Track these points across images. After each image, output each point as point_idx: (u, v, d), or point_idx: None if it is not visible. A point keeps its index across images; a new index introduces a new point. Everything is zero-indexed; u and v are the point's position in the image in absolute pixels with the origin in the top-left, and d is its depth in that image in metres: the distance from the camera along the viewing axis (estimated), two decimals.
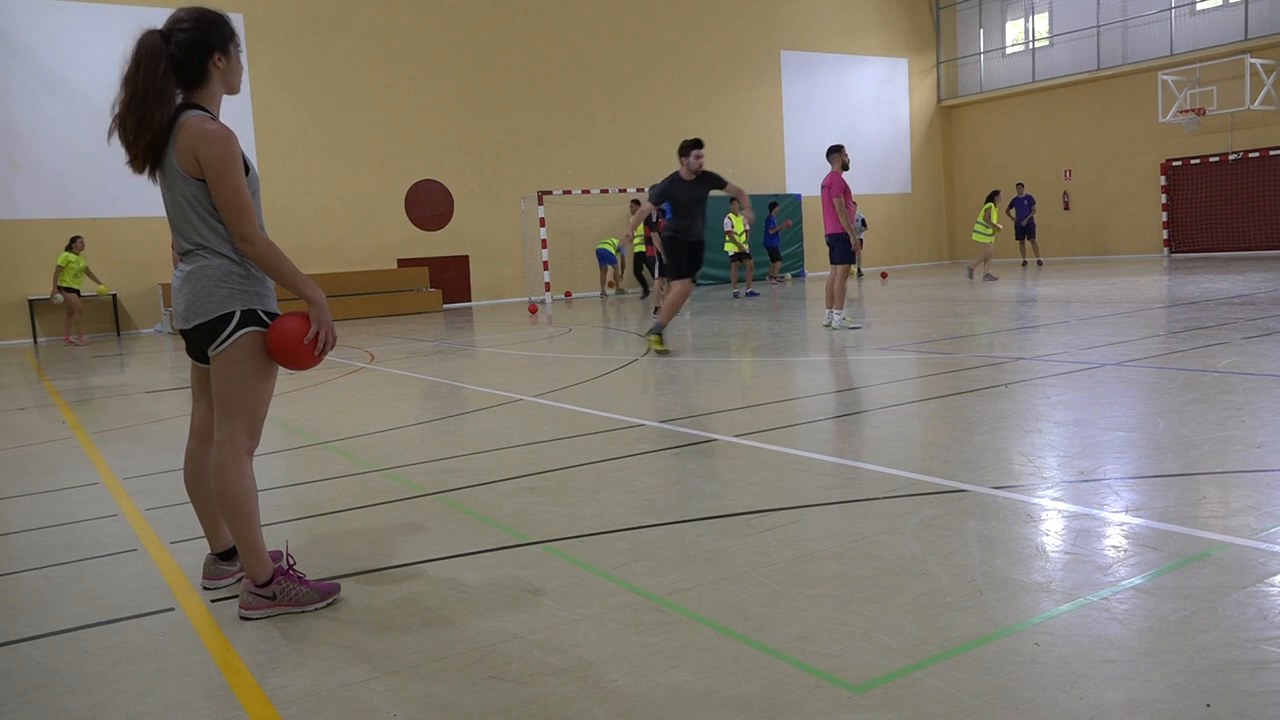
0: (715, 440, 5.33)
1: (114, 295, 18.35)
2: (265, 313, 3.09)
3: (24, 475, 5.60)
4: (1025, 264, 24.08)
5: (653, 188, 10.10)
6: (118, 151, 3.03)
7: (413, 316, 19.57)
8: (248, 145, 18.66)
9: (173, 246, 3.18)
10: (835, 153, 11.19)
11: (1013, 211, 23.04)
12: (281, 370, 3.20)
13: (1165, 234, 24.32)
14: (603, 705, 2.34)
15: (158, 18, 3.09)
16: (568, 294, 22.81)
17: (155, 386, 9.87)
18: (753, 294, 18.29)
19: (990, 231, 19.17)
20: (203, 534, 3.43)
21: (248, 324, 3.04)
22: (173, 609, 3.20)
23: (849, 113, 27.23)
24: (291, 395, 8.21)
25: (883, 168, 28.03)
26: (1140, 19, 24.54)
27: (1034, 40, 27.30)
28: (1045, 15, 27.04)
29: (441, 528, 3.96)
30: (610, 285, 22.58)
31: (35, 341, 17.78)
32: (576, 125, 23.08)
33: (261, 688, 2.57)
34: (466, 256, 22.09)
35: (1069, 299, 13.36)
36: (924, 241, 29.51)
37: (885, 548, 3.34)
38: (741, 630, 2.73)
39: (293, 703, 2.47)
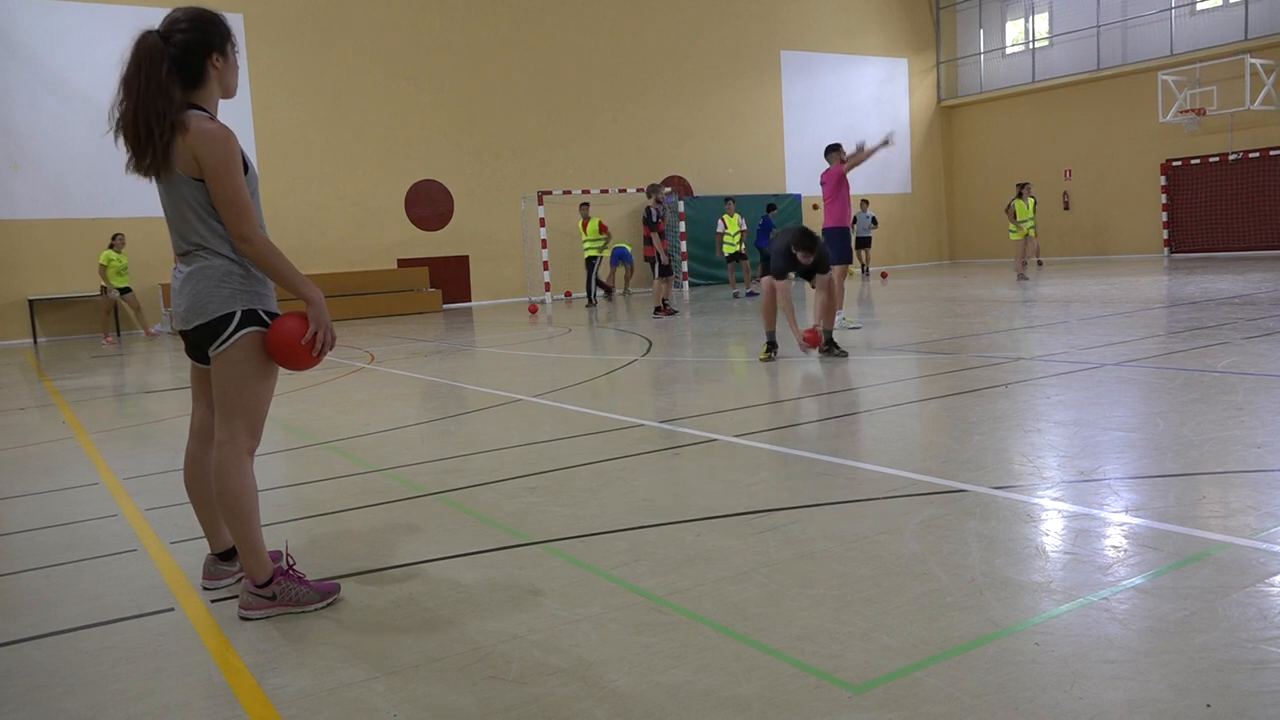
0: (715, 440, 5.33)
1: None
2: (266, 313, 3.09)
3: (24, 475, 5.60)
4: (1025, 264, 24.04)
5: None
6: (118, 151, 3.02)
7: (413, 316, 19.58)
8: (248, 145, 18.66)
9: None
10: (833, 151, 11.21)
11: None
12: (282, 370, 3.20)
13: (1165, 234, 24.32)
14: (603, 705, 2.34)
15: (158, 18, 3.09)
16: (567, 294, 22.80)
17: (155, 386, 9.87)
18: (752, 294, 18.29)
19: (1028, 223, 18.68)
20: (203, 534, 3.43)
21: (248, 324, 3.04)
22: (173, 609, 3.20)
23: (849, 113, 27.22)
24: (292, 395, 8.21)
25: (883, 168, 28.00)
26: (1140, 19, 24.54)
27: (1034, 40, 27.30)
28: (1045, 15, 27.04)
29: (441, 528, 3.96)
30: (622, 284, 22.48)
31: (35, 341, 17.78)
32: (576, 125, 23.08)
33: (261, 688, 2.57)
34: (466, 256, 22.10)
35: (1069, 299, 13.36)
36: (924, 242, 29.52)
37: (885, 548, 3.34)
38: (741, 630, 2.73)
39: (293, 703, 2.47)
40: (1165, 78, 22.93)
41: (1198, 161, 23.50)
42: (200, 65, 3.01)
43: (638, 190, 22.42)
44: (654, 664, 2.55)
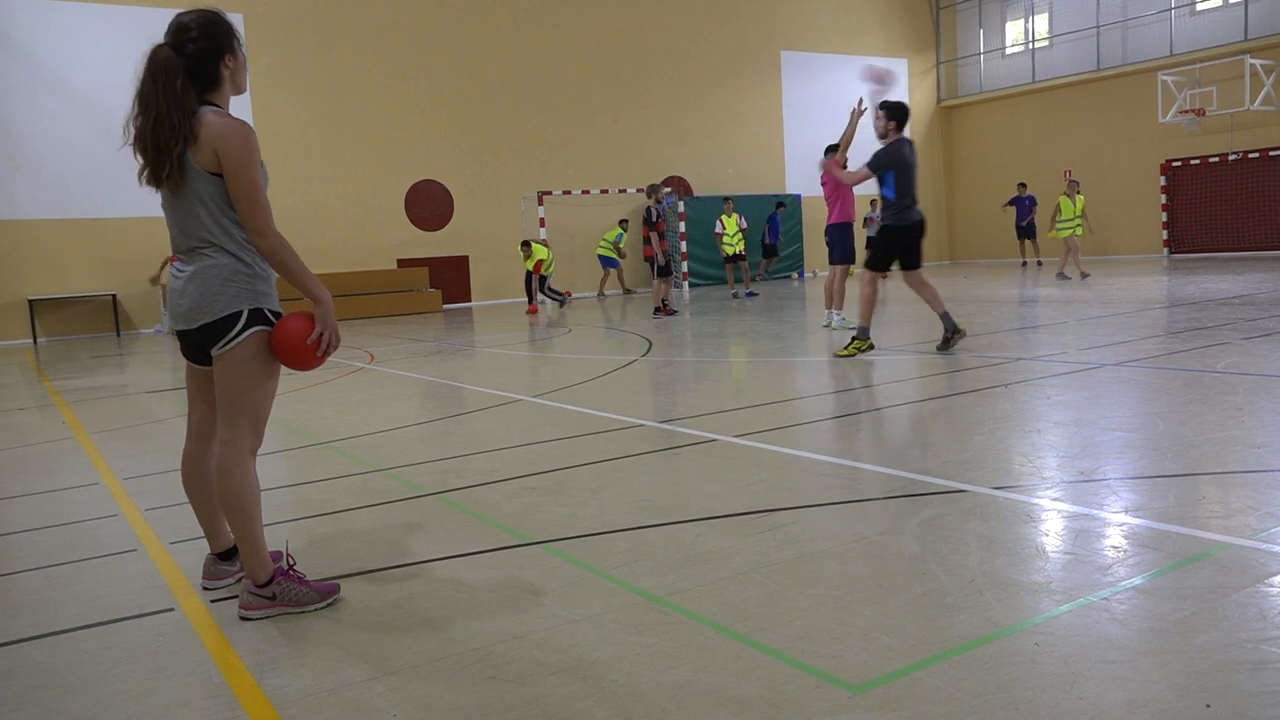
0: (715, 440, 5.33)
1: (114, 295, 18.34)
2: (271, 312, 3.09)
3: (24, 475, 5.60)
4: (1025, 264, 24.07)
5: (878, 156, 8.66)
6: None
7: (413, 317, 19.58)
8: None
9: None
10: (833, 152, 11.27)
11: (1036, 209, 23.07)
12: (283, 370, 3.20)
13: (1165, 234, 24.32)
14: (603, 705, 2.34)
15: (157, 17, 3.11)
16: (567, 294, 22.80)
17: (155, 386, 9.87)
18: (752, 294, 18.28)
19: (1073, 222, 17.67)
20: (202, 534, 3.43)
21: (255, 323, 3.04)
22: (173, 609, 3.20)
23: (849, 113, 27.21)
24: (292, 395, 8.21)
25: None
26: (1140, 19, 24.54)
27: (1034, 40, 27.30)
28: (1045, 15, 27.04)
29: (441, 528, 3.96)
30: (613, 286, 22.48)
31: (35, 341, 17.77)
32: (576, 125, 23.08)
33: (261, 688, 2.57)
34: (466, 256, 22.10)
35: (1069, 299, 13.35)
36: (924, 242, 29.49)
37: (885, 548, 3.34)
38: (741, 630, 2.73)
39: (293, 703, 2.47)
40: (1165, 78, 22.93)
41: (1198, 162, 23.50)
42: (215, 70, 3.03)
43: (638, 190, 22.42)
44: (654, 664, 2.55)
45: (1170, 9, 23.80)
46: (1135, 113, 24.45)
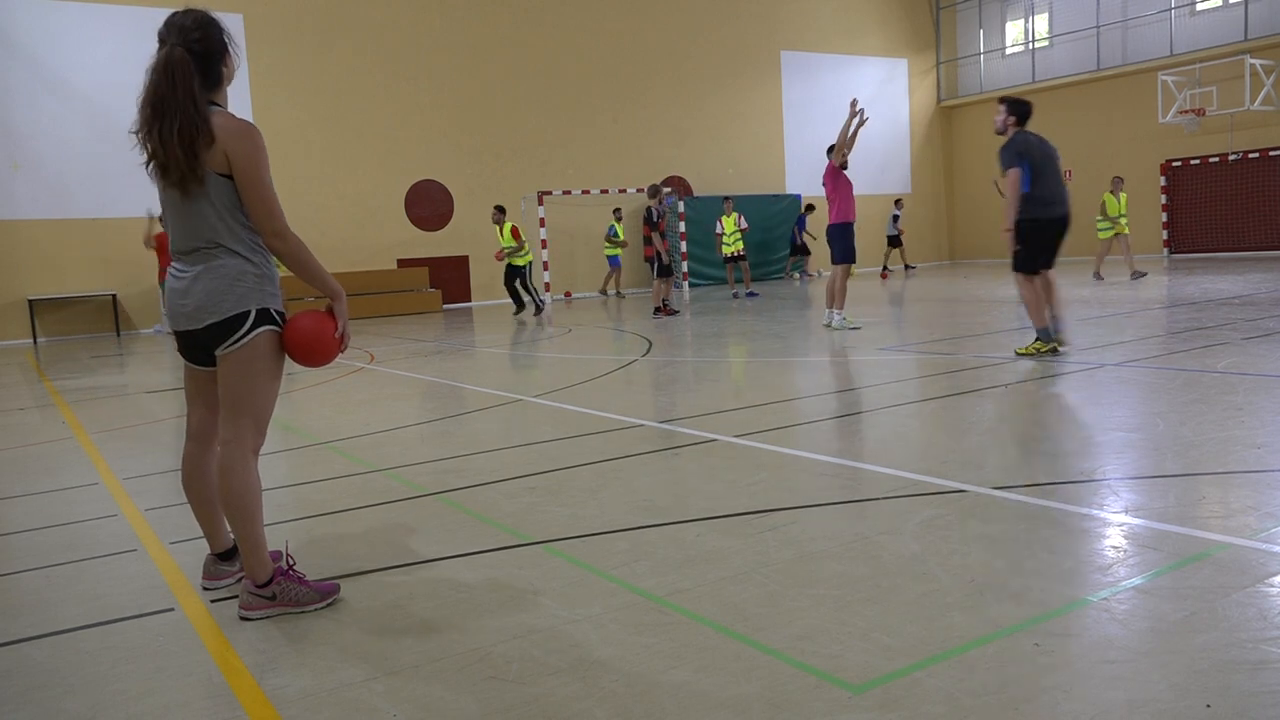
0: (715, 440, 5.33)
1: (114, 295, 18.34)
2: (277, 312, 3.10)
3: (24, 475, 5.60)
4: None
5: (1005, 151, 7.96)
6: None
7: (413, 316, 19.57)
8: None
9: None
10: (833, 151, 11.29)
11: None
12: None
13: (1165, 234, 24.31)
14: (603, 705, 2.34)
15: (157, 17, 3.10)
16: (567, 294, 22.81)
17: (155, 386, 9.86)
18: (752, 294, 18.28)
19: (1108, 225, 17.03)
20: (202, 534, 3.43)
21: (262, 323, 3.04)
22: (173, 609, 3.20)
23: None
24: (292, 395, 8.22)
25: (882, 168, 28.03)
26: (1140, 19, 24.54)
27: (1034, 40, 27.30)
28: (1045, 15, 27.03)
29: (441, 528, 3.96)
30: (614, 286, 22.48)
31: (35, 341, 17.77)
32: (576, 125, 23.08)
33: (261, 688, 2.57)
34: (466, 256, 22.09)
35: (1069, 300, 13.35)
36: (923, 242, 29.50)
37: (885, 548, 3.34)
38: (741, 630, 2.73)
39: (293, 703, 2.47)
40: (1165, 78, 22.93)
41: (1197, 162, 23.50)
42: (218, 69, 3.05)
43: (638, 190, 22.41)
44: (654, 664, 2.55)
45: (1170, 9, 23.79)
46: (1135, 113, 24.44)
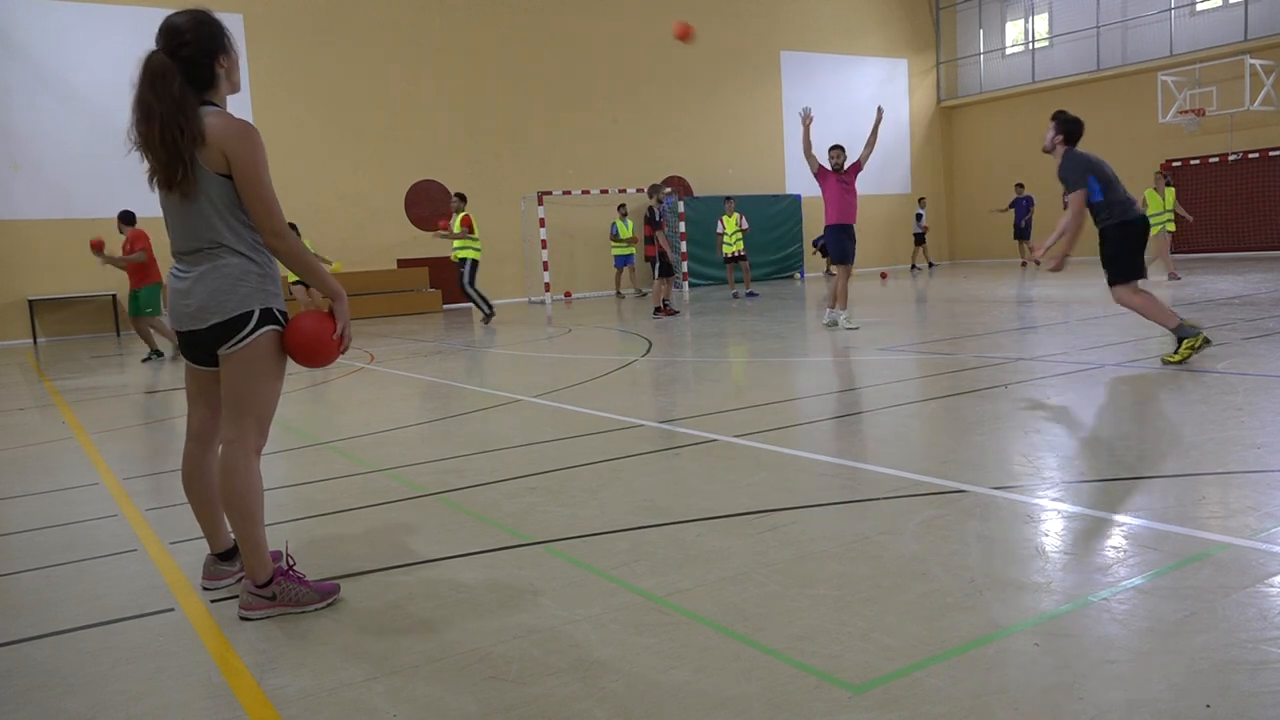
0: (715, 440, 5.33)
1: (114, 296, 18.34)
2: (279, 312, 3.10)
3: (24, 475, 5.60)
4: (1025, 264, 24.06)
5: (1067, 167, 7.75)
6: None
7: (412, 317, 19.57)
8: None
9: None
10: (838, 151, 11.41)
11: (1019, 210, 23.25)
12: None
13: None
14: (603, 705, 2.34)
15: (157, 17, 3.09)
16: (567, 294, 22.80)
17: (155, 386, 9.86)
18: (752, 294, 18.27)
19: (1163, 216, 16.14)
20: (202, 534, 3.42)
21: (266, 323, 3.04)
22: (173, 609, 3.20)
23: (849, 113, 27.15)
24: (292, 395, 8.22)
25: (882, 168, 28.00)
26: (1140, 19, 24.54)
27: (1034, 41, 27.29)
28: (1045, 15, 27.02)
29: (441, 528, 3.96)
30: (627, 285, 22.47)
31: (35, 341, 17.77)
32: (576, 125, 23.07)
33: (261, 688, 2.57)
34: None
35: (1069, 300, 13.35)
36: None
37: (885, 548, 3.34)
38: (741, 630, 2.73)
39: (293, 703, 2.47)
40: (1165, 78, 22.92)
41: (1198, 162, 23.49)
42: (211, 70, 3.03)
43: (638, 190, 22.40)
44: (654, 664, 2.55)
45: (1170, 9, 23.79)
46: (1135, 113, 24.43)
